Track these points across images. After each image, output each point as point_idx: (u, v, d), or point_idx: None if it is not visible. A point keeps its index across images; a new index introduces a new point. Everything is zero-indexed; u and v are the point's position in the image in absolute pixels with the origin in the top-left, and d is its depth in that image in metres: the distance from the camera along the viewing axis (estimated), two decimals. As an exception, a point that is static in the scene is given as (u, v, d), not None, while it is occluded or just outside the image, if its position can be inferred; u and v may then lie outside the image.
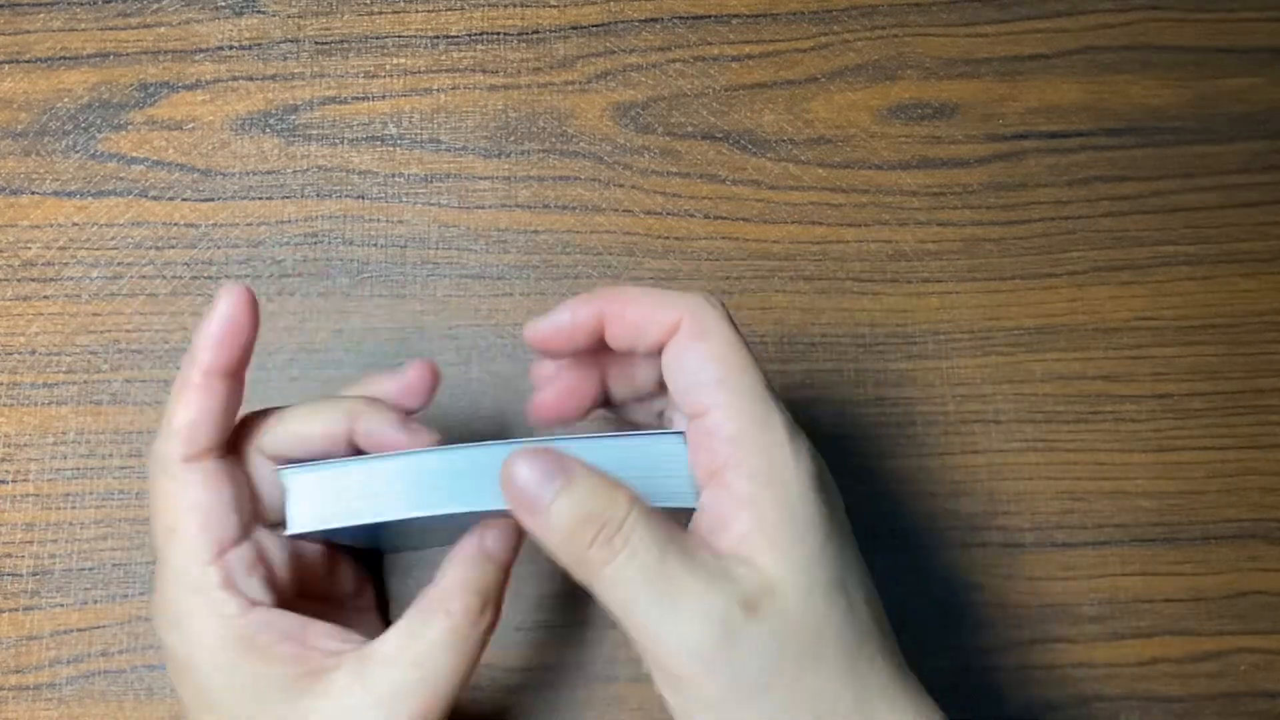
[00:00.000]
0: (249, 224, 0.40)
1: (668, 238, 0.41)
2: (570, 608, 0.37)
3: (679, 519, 0.28)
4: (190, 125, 0.41)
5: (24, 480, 0.38)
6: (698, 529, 0.27)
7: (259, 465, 0.31)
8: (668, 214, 0.41)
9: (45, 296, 0.40)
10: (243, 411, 0.31)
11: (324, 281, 0.40)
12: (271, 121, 0.41)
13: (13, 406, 0.39)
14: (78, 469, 0.38)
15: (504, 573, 0.30)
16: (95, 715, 0.36)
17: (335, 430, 0.30)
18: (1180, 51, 0.43)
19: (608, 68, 0.42)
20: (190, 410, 0.29)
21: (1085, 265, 0.41)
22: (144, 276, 0.40)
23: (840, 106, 0.42)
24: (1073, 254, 0.41)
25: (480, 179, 0.41)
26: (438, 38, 0.42)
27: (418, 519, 0.29)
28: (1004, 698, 0.37)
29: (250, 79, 0.42)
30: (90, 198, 0.40)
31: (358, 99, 0.42)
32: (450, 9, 0.43)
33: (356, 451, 0.31)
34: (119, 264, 0.40)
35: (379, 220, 0.41)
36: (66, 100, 0.41)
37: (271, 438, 0.31)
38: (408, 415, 0.32)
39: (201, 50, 0.42)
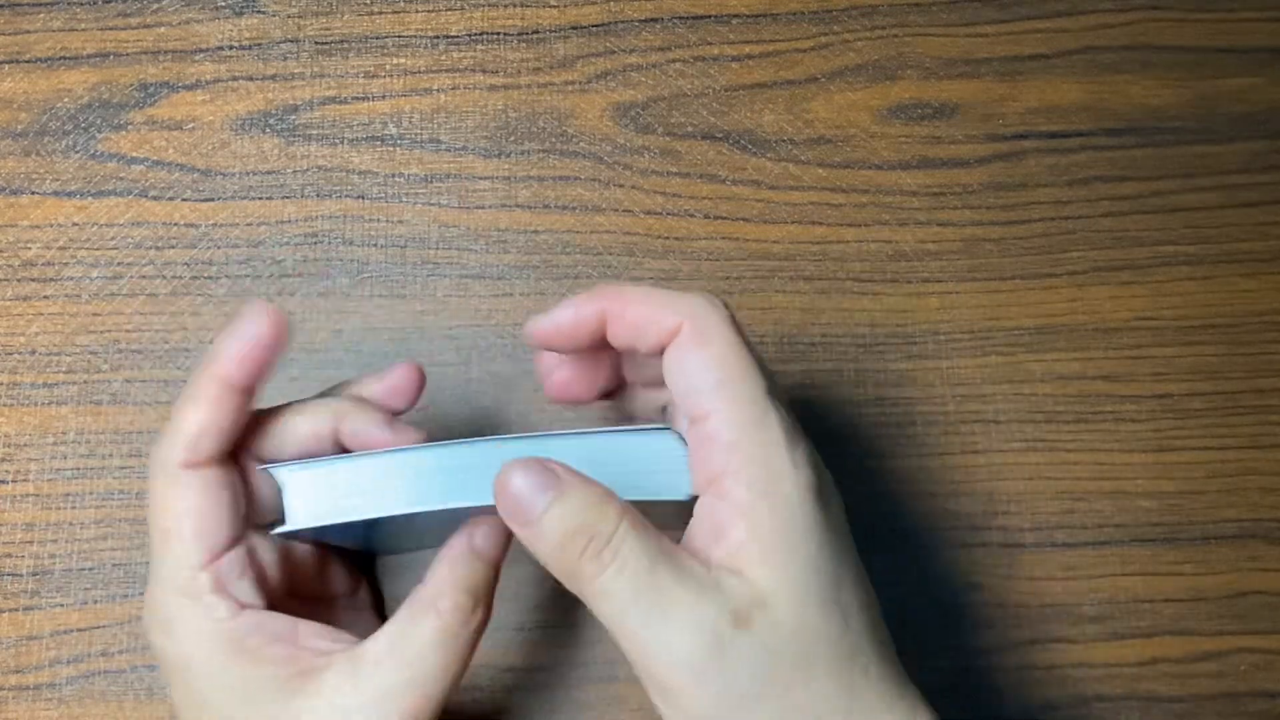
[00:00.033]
0: (249, 224, 0.40)
1: (668, 238, 0.41)
2: (570, 608, 0.37)
3: (680, 522, 0.28)
4: (190, 125, 0.41)
5: (24, 480, 0.38)
6: (695, 536, 0.27)
7: (252, 468, 0.31)
8: (668, 214, 0.41)
9: (45, 296, 0.40)
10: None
11: (324, 281, 0.40)
12: (271, 121, 0.41)
13: (13, 406, 0.39)
14: (78, 469, 0.38)
15: (494, 570, 0.30)
16: (95, 715, 0.36)
17: (322, 429, 0.31)
18: (1180, 51, 0.43)
19: (608, 68, 0.42)
20: (199, 419, 0.29)
21: (1085, 265, 0.41)
22: (144, 276, 0.40)
23: (840, 106, 0.42)
24: (1073, 254, 0.41)
25: (480, 179, 0.41)
26: (438, 38, 0.42)
27: (411, 515, 0.29)
28: (1004, 698, 0.37)
29: (250, 79, 0.42)
30: (90, 198, 0.40)
31: (358, 99, 0.42)
32: (450, 9, 0.43)
33: (343, 451, 0.31)
34: (119, 264, 0.40)
35: (379, 220, 0.41)
36: (66, 100, 0.41)
37: (262, 439, 0.31)
38: (394, 416, 0.32)
39: (201, 50, 0.42)
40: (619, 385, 0.33)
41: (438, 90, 0.42)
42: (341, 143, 0.41)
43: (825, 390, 0.39)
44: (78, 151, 0.41)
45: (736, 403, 0.27)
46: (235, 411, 0.29)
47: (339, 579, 0.35)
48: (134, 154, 0.41)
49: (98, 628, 0.37)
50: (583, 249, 0.40)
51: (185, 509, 0.29)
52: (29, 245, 0.40)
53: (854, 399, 0.39)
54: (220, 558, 0.29)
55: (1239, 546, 0.38)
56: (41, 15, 0.42)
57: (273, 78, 0.42)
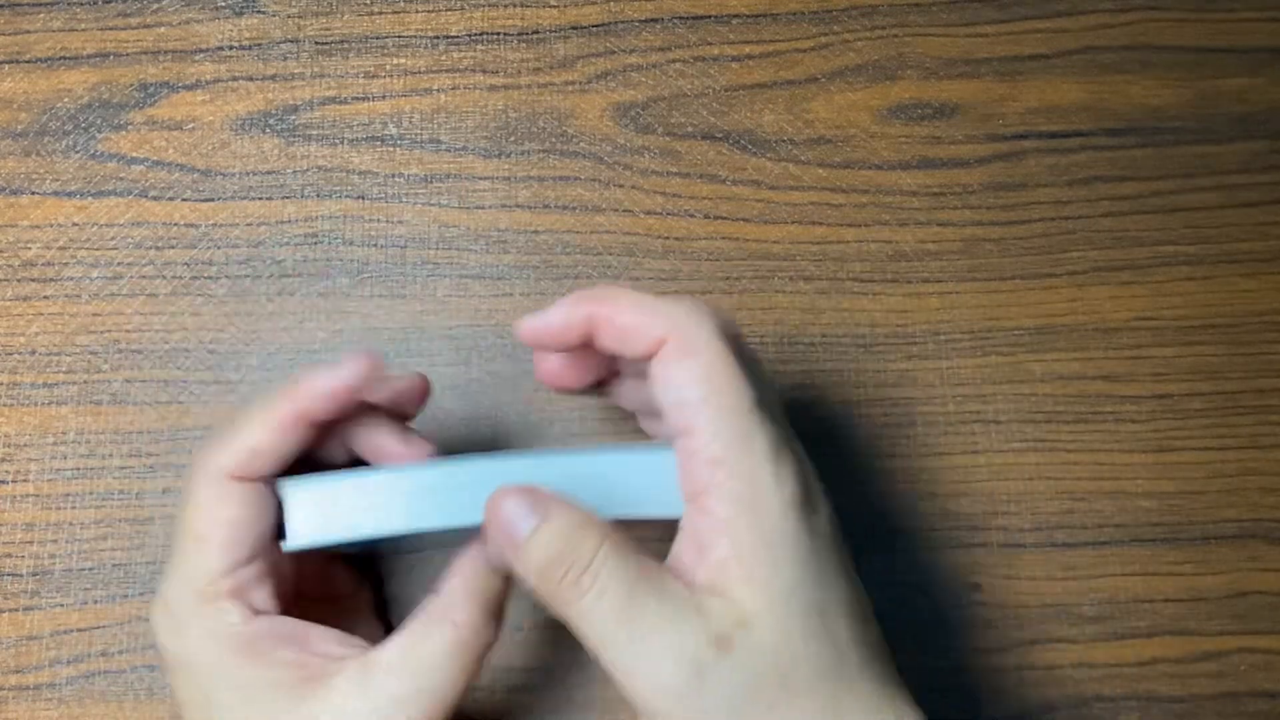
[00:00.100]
0: (249, 224, 0.40)
1: (668, 238, 0.41)
2: (570, 608, 0.37)
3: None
4: (190, 125, 0.41)
5: (24, 480, 0.38)
6: (681, 553, 0.27)
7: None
8: (668, 214, 0.41)
9: (45, 296, 0.40)
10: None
11: (324, 281, 0.40)
12: (271, 121, 0.41)
13: (13, 406, 0.39)
14: (78, 469, 0.38)
15: (508, 582, 0.30)
16: (95, 715, 0.36)
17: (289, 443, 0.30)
18: (1180, 51, 0.43)
19: (608, 68, 0.42)
20: (262, 438, 0.29)
21: (1085, 265, 0.41)
22: (144, 276, 0.40)
23: (840, 106, 0.42)
24: (1073, 254, 0.41)
25: (480, 179, 0.41)
26: (438, 38, 0.42)
27: (414, 534, 0.29)
28: (1004, 698, 0.37)
29: (250, 79, 0.42)
30: (90, 198, 0.40)
31: (358, 99, 0.42)
32: (450, 9, 0.43)
33: (352, 458, 0.31)
34: (119, 264, 0.40)
35: (379, 220, 0.41)
36: (66, 100, 0.41)
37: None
38: (405, 422, 0.32)
39: (201, 50, 0.42)
40: (612, 375, 0.33)
41: (438, 90, 0.42)
42: (341, 143, 0.41)
43: (825, 390, 0.39)
44: (78, 151, 0.41)
45: (721, 417, 0.27)
46: (297, 442, 0.30)
47: (342, 580, 0.35)
48: (134, 154, 0.41)
49: (98, 628, 0.37)
50: (583, 249, 0.40)
51: (223, 519, 0.29)
52: (29, 245, 0.40)
53: (854, 399, 0.39)
54: (244, 566, 0.29)
55: (1239, 546, 0.38)
56: (41, 15, 0.42)
57: (273, 78, 0.42)
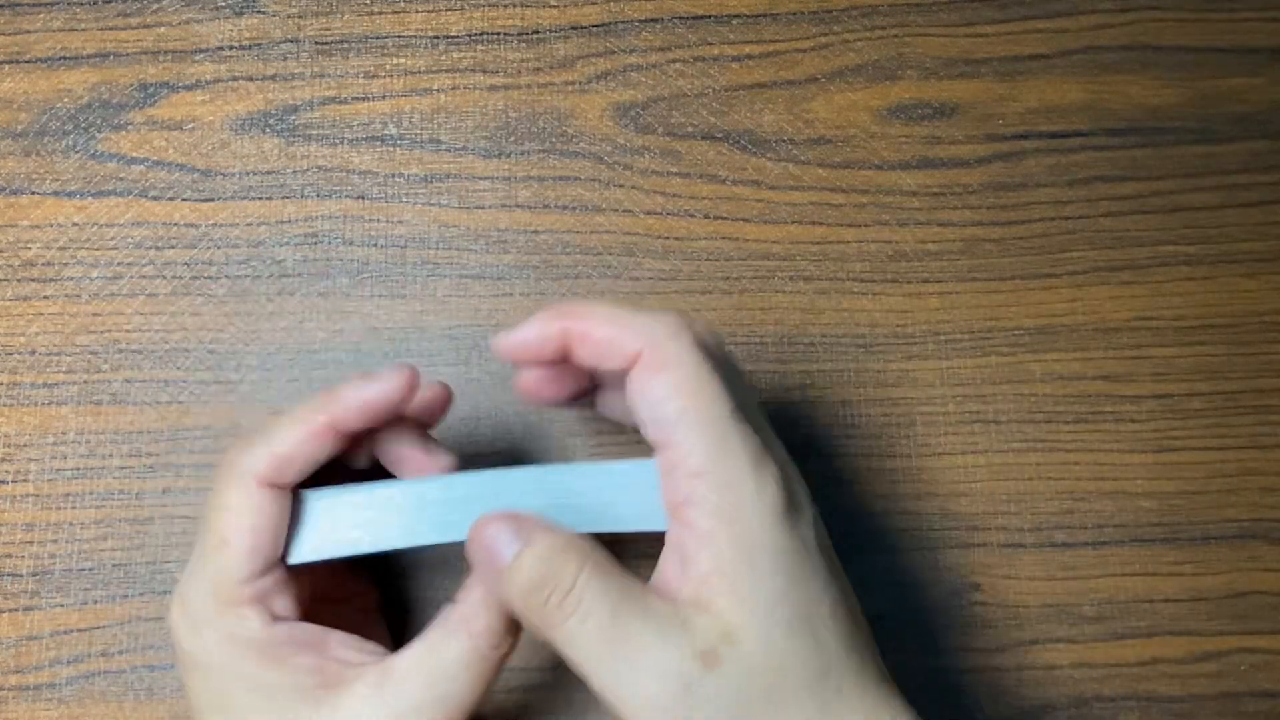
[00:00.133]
0: (249, 224, 0.40)
1: (668, 238, 0.41)
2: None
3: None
4: (190, 125, 0.41)
5: (24, 480, 0.38)
6: (665, 567, 0.27)
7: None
8: (668, 214, 0.41)
9: (45, 296, 0.40)
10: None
11: (324, 281, 0.40)
12: (271, 121, 0.41)
13: (13, 406, 0.39)
14: (78, 469, 0.38)
15: None
16: (95, 715, 0.36)
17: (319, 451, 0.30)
18: (1180, 51, 0.43)
19: (608, 68, 0.42)
20: (297, 446, 0.29)
21: (1085, 265, 0.41)
22: (144, 276, 0.40)
23: (840, 106, 0.42)
24: (1073, 254, 0.41)
25: (480, 179, 0.41)
26: (438, 38, 0.42)
27: (417, 549, 0.30)
28: (1004, 698, 0.37)
29: (250, 79, 0.42)
30: (90, 198, 0.40)
31: (358, 99, 0.42)
32: (450, 9, 0.43)
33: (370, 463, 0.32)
34: (119, 264, 0.40)
35: (379, 220, 0.41)
36: (66, 100, 0.41)
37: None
38: (426, 431, 0.32)
39: (201, 50, 0.42)
40: (594, 386, 0.33)
41: (438, 90, 0.42)
42: (341, 143, 0.41)
43: (825, 390, 0.39)
44: (78, 151, 0.41)
45: (699, 429, 0.26)
46: (330, 451, 0.30)
47: (349, 582, 0.35)
48: (134, 154, 0.41)
49: (98, 628, 0.37)
50: (583, 249, 0.40)
51: (250, 524, 0.29)
52: (29, 245, 0.40)
53: (854, 399, 0.39)
54: (267, 573, 0.29)
55: (1239, 546, 0.38)
56: (41, 15, 0.42)
57: (273, 78, 0.42)
